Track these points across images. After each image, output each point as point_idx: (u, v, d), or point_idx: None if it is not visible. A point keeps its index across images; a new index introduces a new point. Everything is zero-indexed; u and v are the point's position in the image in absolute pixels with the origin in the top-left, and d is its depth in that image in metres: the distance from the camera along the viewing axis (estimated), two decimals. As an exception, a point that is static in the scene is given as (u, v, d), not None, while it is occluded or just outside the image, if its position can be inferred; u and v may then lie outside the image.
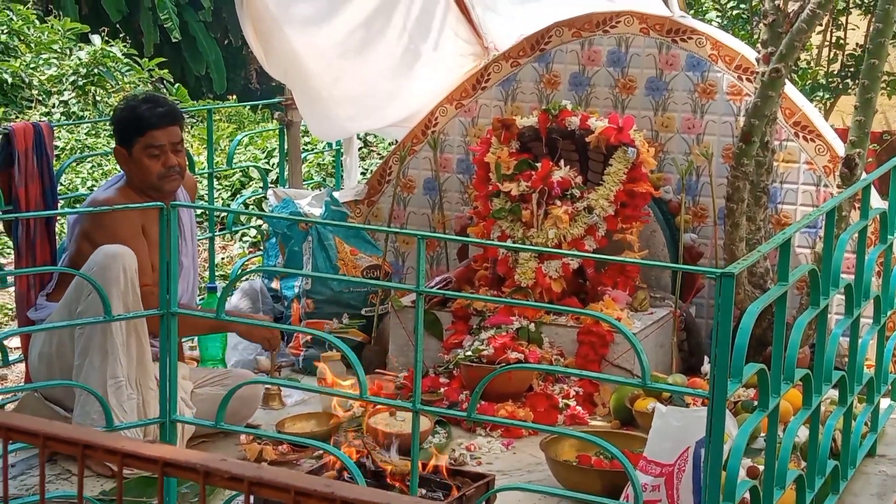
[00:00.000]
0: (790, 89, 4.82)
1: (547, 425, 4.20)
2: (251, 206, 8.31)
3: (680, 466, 2.80)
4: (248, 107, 12.11)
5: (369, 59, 5.41)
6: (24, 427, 1.10)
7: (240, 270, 5.93)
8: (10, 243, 6.15)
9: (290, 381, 4.67)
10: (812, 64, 9.53)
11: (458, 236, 5.21)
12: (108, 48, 11.75)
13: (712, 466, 2.42)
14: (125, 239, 3.86)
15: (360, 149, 9.08)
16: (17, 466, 3.75)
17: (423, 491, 3.40)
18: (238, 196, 8.96)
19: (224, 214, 7.87)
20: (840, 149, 4.72)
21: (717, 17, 9.58)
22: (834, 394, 3.49)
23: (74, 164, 9.31)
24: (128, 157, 4.07)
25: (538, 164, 4.79)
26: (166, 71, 12.70)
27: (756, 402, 3.90)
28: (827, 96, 9.13)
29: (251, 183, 9.19)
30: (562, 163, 4.82)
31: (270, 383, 4.23)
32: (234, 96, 15.23)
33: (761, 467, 3.35)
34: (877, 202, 4.33)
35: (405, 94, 5.62)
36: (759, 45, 4.44)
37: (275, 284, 5.20)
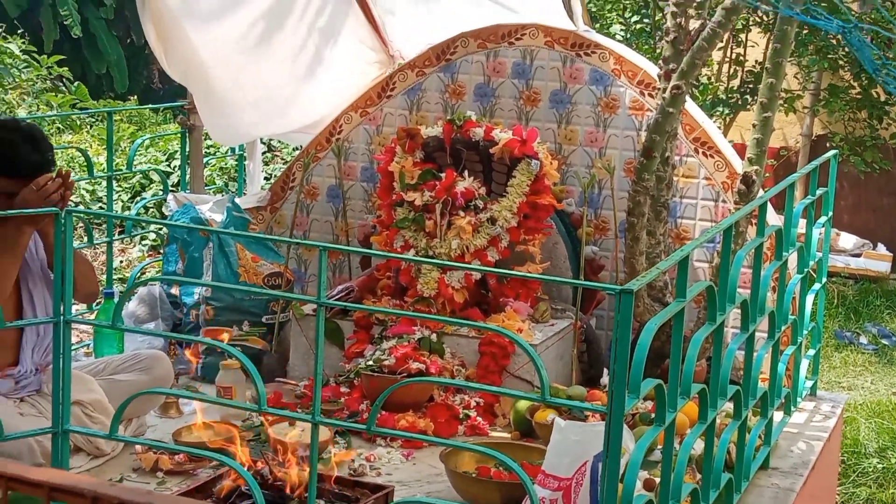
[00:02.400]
0: (691, 106, 4.90)
1: (447, 436, 4.20)
2: (151, 210, 8.17)
3: (578, 480, 2.81)
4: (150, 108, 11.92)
5: (271, 62, 5.36)
6: None
7: (138, 276, 5.84)
8: None
9: (188, 389, 4.62)
10: (712, 79, 9.71)
11: (361, 245, 5.19)
12: (6, 44, 11.47)
13: (609, 481, 2.44)
14: None
15: (263, 153, 9.02)
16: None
17: (322, 502, 3.37)
18: (138, 199, 8.82)
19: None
20: (738, 165, 4.80)
21: (622, 31, 9.71)
22: (729, 406, 3.55)
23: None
24: None
25: (442, 175, 4.80)
26: (66, 69, 12.44)
27: (653, 415, 3.98)
28: (727, 112, 9.31)
29: (151, 185, 9.05)
30: (466, 173, 4.83)
31: (169, 394, 4.16)
32: (136, 97, 14.97)
33: (658, 479, 3.40)
34: (773, 218, 4.42)
35: (307, 100, 5.58)
36: (660, 61, 4.51)
37: (174, 290, 5.12)
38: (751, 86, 9.47)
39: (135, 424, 4.10)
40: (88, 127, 10.87)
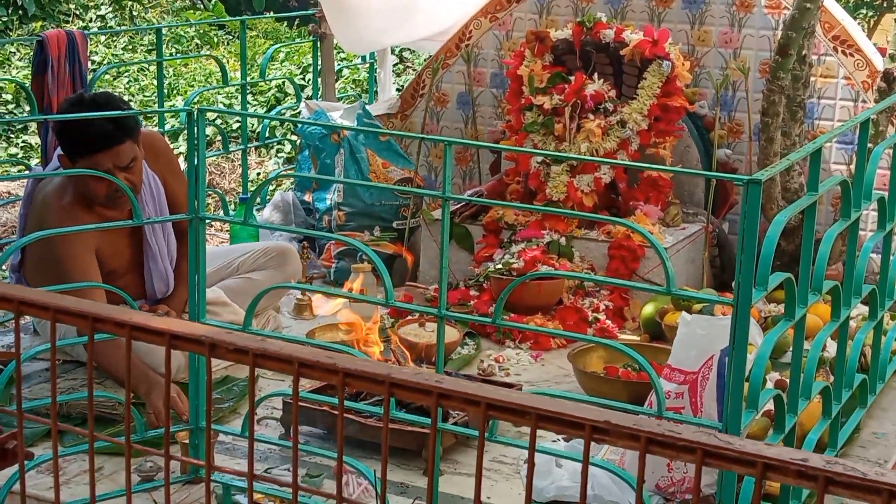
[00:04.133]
0: (830, 3, 4.73)
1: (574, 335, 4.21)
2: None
3: (704, 374, 2.79)
4: (286, 24, 12.03)
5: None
6: (35, 300, 1.12)
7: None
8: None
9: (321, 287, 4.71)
10: (856, -19, 9.35)
11: (491, 153, 5.18)
12: (146, -37, 11.69)
13: (735, 374, 2.41)
14: (73, 269, 3.57)
15: (395, 65, 9.04)
16: (61, 385, 3.78)
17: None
18: (273, 110, 8.96)
19: (258, 129, 7.87)
20: (880, 64, 4.64)
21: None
22: (865, 309, 3.47)
23: (111, 79, 9.32)
24: (72, 167, 3.60)
25: (571, 78, 4.75)
26: (203, -13, 12.63)
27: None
28: (871, 14, 8.98)
29: (286, 98, 9.17)
30: (595, 76, 4.77)
31: (301, 288, 4.26)
32: (272, 13, 15.13)
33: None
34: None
35: (436, 7, 5.56)
36: (799, -44, 4.35)
37: (307, 197, 5.21)
38: (897, -13, 9.10)
39: (272, 324, 4.20)
40: (225, 43, 11.04)
